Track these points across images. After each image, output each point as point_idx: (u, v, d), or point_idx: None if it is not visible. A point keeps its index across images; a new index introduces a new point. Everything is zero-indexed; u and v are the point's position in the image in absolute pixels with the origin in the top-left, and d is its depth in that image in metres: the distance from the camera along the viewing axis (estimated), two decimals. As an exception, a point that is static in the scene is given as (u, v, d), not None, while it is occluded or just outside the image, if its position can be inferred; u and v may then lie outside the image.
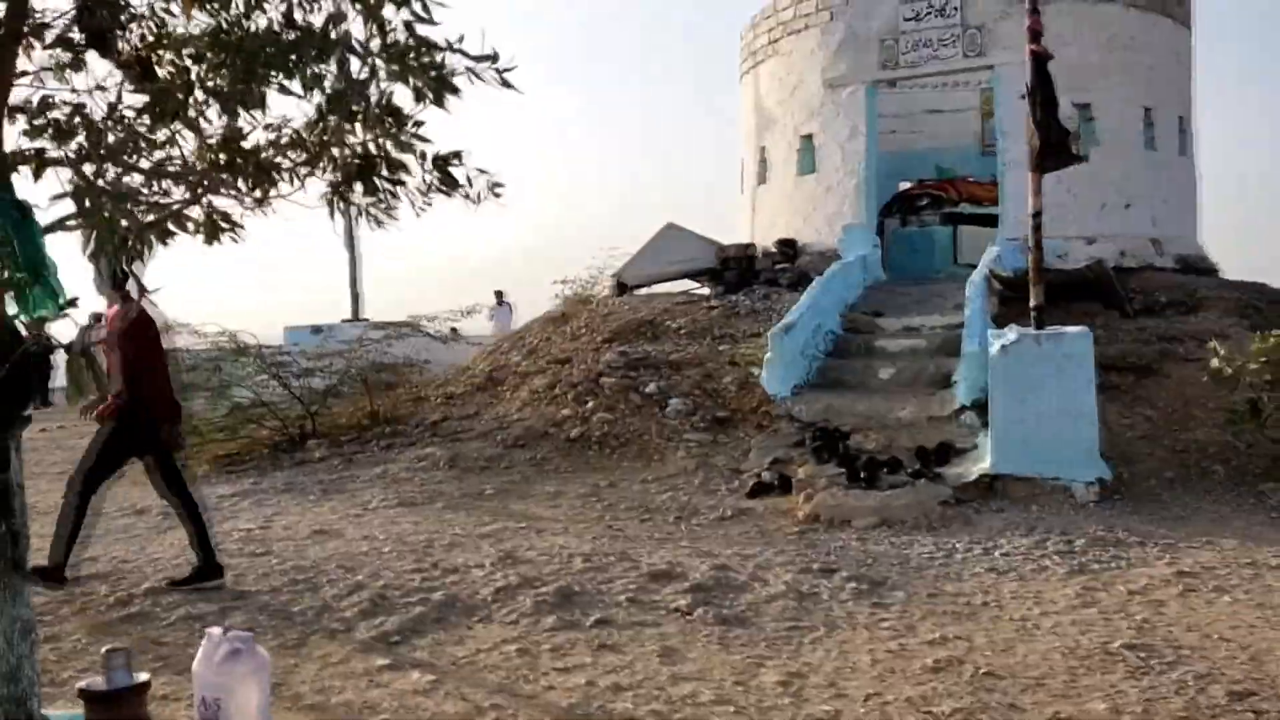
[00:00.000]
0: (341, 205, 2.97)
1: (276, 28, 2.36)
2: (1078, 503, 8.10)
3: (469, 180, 3.04)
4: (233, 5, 2.46)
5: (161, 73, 2.57)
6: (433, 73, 2.55)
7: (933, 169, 18.89)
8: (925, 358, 10.78)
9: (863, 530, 7.61)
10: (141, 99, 2.74)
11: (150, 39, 2.65)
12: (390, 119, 2.63)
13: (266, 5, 2.37)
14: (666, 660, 4.79)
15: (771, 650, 4.92)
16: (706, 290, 15.56)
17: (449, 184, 2.98)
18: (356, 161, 2.72)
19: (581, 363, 12.08)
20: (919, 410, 9.76)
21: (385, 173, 2.83)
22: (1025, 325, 9.17)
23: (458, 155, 2.94)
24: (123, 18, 2.62)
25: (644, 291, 15.77)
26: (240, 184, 2.60)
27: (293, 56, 2.34)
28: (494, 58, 2.68)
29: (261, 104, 2.48)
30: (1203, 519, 7.63)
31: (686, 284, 16.15)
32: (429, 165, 2.92)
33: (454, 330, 16.95)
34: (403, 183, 2.86)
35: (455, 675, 4.64)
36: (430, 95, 2.71)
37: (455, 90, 2.62)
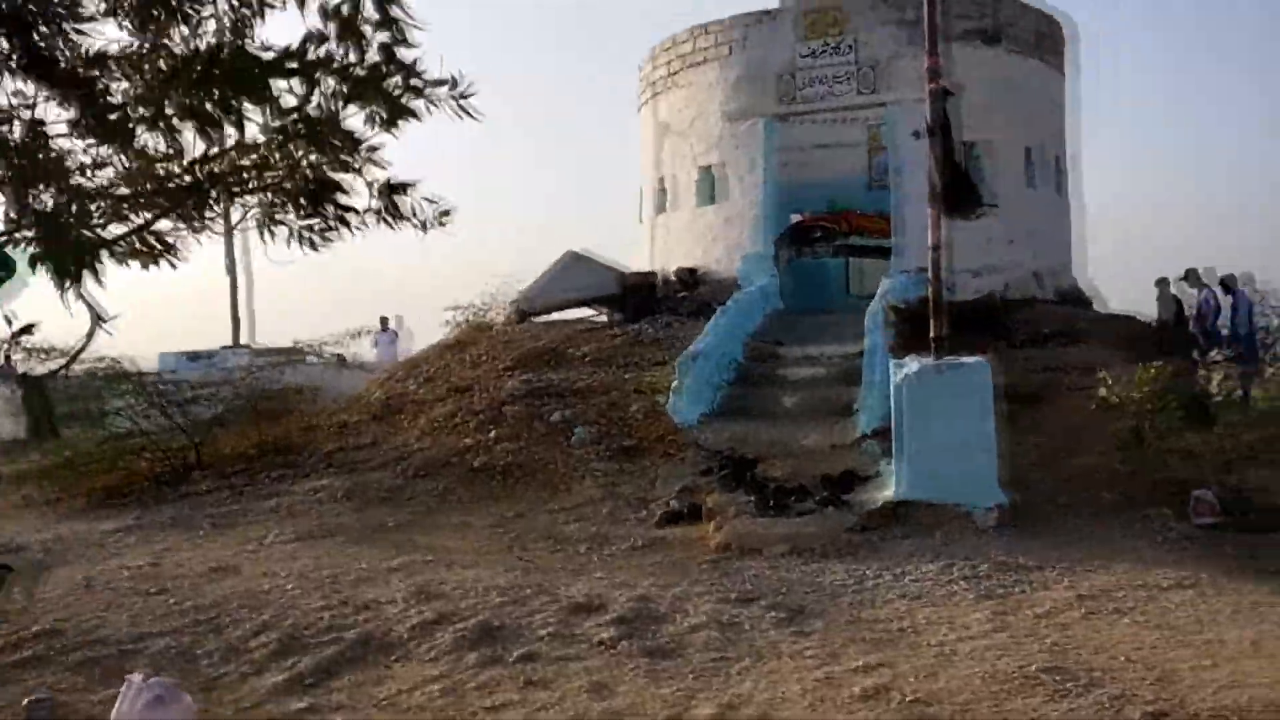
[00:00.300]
0: (271, 227, 2.84)
1: (254, 49, 2.23)
2: (979, 528, 8.30)
3: (414, 209, 2.95)
4: (202, 26, 2.32)
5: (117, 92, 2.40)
6: (396, 94, 2.46)
7: (823, 202, 19.33)
8: (827, 386, 10.97)
9: (775, 558, 7.65)
10: (66, 116, 2.57)
11: (92, 56, 2.47)
12: (342, 142, 2.53)
13: (248, 27, 2.24)
14: (596, 695, 4.70)
15: (701, 682, 4.88)
16: (604, 317, 15.57)
17: (395, 212, 2.87)
18: (309, 185, 2.60)
19: (484, 391, 11.91)
20: (823, 438, 9.92)
21: (335, 197, 2.71)
22: (923, 355, 9.42)
23: (406, 186, 2.85)
24: (67, 31, 2.45)
25: (543, 319, 15.67)
26: (194, 206, 2.45)
27: (270, 78, 2.21)
28: (452, 83, 2.61)
29: (239, 125, 2.34)
30: (1096, 543, 7.91)
31: (585, 311, 16.13)
32: (375, 191, 2.81)
33: (340, 357, 16.53)
34: (353, 209, 2.75)
35: (380, 718, 4.46)
36: (383, 119, 2.61)
37: (413, 114, 2.54)
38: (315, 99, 2.43)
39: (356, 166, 2.67)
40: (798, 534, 8.03)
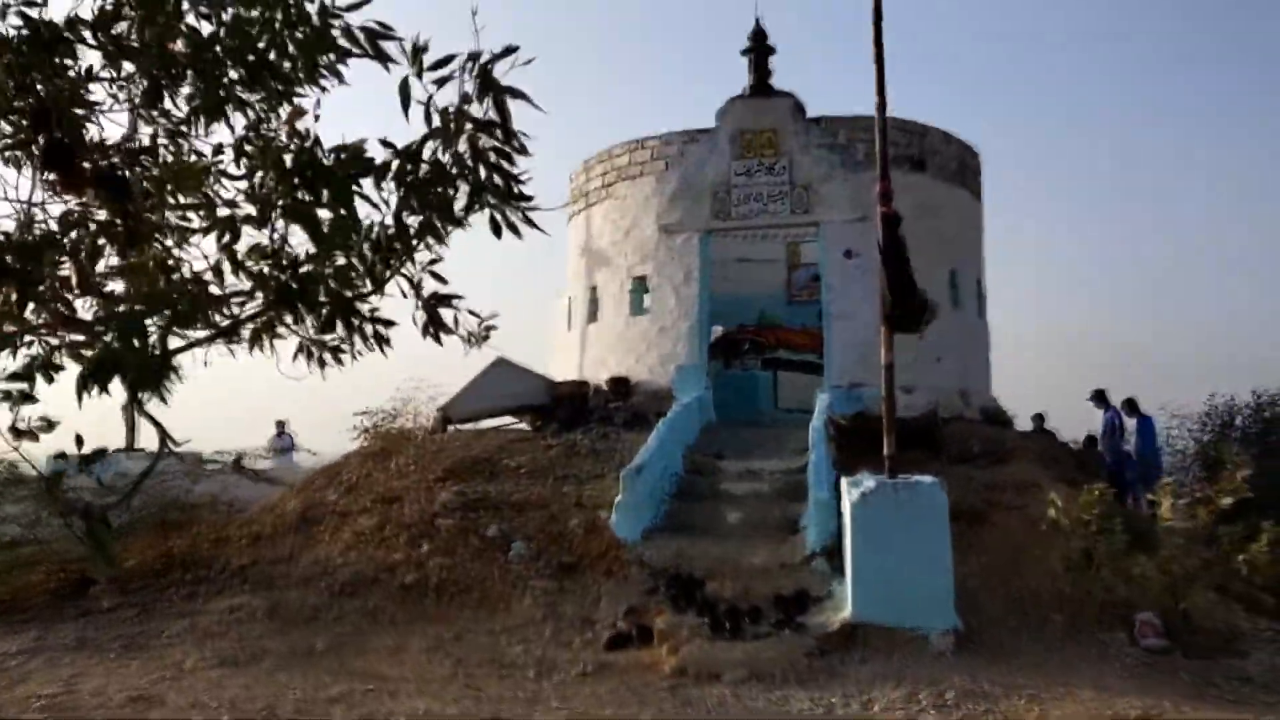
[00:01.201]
0: (271, 339, 2.58)
1: (360, 147, 2.00)
2: (935, 652, 8.15)
3: (456, 321, 2.72)
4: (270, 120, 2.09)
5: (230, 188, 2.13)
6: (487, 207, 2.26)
7: (743, 315, 19.57)
8: (770, 502, 10.82)
9: (734, 684, 7.35)
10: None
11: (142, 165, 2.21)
12: (404, 249, 2.30)
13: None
14: None
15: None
16: (526, 426, 15.25)
17: (439, 326, 2.63)
18: (352, 295, 2.35)
19: (414, 502, 11.40)
20: (771, 556, 9.72)
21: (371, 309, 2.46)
22: (864, 471, 9.36)
23: (451, 298, 2.63)
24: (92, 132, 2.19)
25: (469, 427, 15.26)
26: (291, 309, 2.18)
27: (366, 179, 1.99)
28: (527, 198, 2.44)
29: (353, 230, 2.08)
30: (1055, 668, 7.82)
31: (506, 419, 15.79)
32: (420, 303, 2.57)
33: (239, 462, 15.73)
34: (391, 322, 2.50)
35: None
36: (440, 229, 2.40)
37: (517, 232, 2.35)
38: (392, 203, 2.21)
39: (416, 280, 2.44)
40: (756, 658, 7.76)
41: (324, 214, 2.12)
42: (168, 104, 2.70)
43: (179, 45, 2.27)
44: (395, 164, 2.23)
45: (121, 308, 1.99)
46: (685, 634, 8.23)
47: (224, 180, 2.41)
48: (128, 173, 2.24)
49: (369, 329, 2.46)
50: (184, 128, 2.52)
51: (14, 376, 1.86)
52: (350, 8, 2.04)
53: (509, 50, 2.13)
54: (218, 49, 2.17)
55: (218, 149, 2.69)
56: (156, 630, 8.90)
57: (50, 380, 2.10)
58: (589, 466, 11.96)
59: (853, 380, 14.17)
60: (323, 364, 2.74)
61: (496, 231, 2.42)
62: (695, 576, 9.43)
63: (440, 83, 2.10)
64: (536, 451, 12.57)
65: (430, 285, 2.60)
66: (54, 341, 2.19)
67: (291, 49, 2.14)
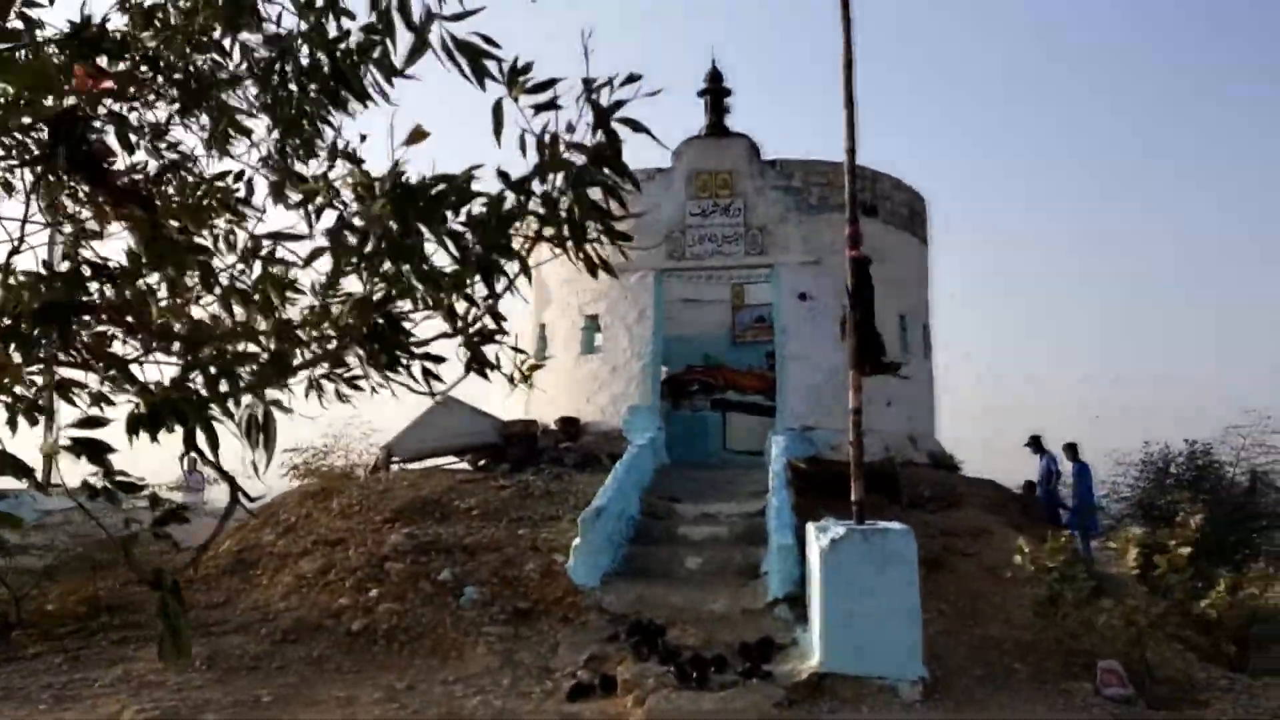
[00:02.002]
0: (326, 379, 2.36)
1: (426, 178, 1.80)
2: (904, 702, 8.03)
3: (497, 359, 2.53)
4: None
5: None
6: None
7: (692, 355, 19.51)
8: (730, 546, 10.66)
9: (705, 738, 7.12)
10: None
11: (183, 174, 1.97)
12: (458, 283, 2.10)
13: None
14: None
15: None
16: (468, 465, 14.91)
17: (483, 364, 2.44)
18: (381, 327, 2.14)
19: (360, 545, 11.00)
20: (732, 603, 9.54)
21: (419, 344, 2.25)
22: (827, 517, 9.26)
23: (496, 333, 2.44)
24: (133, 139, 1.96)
25: (414, 466, 14.87)
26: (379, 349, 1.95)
27: (443, 210, 1.79)
28: (627, 237, 2.29)
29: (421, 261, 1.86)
30: (1025, 718, 7.75)
31: (444, 459, 15.41)
32: (466, 339, 2.37)
33: (155, 498, 15.02)
34: (440, 358, 2.30)
35: None
36: (498, 271, 2.22)
37: (612, 273, 2.23)
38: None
39: (469, 316, 2.24)
40: (724, 710, 7.55)
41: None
42: (180, 128, 2.49)
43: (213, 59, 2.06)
44: (508, 198, 2.04)
45: (206, 351, 1.76)
46: (650, 684, 7.97)
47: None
48: (152, 190, 2.02)
49: (416, 366, 2.25)
50: (207, 150, 2.30)
51: (88, 422, 1.62)
52: (456, 17, 1.84)
53: (632, 78, 1.95)
54: (280, 64, 1.97)
55: (238, 175, 2.48)
56: (88, 679, 8.38)
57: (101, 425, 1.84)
58: (543, 508, 11.68)
59: (805, 423, 14.14)
60: (340, 397, 2.53)
61: (593, 271, 2.24)
62: (656, 623, 9.20)
63: (539, 108, 1.92)
64: (488, 493, 12.24)
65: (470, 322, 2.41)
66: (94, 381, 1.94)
67: (368, 64, 1.95)
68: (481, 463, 14.78)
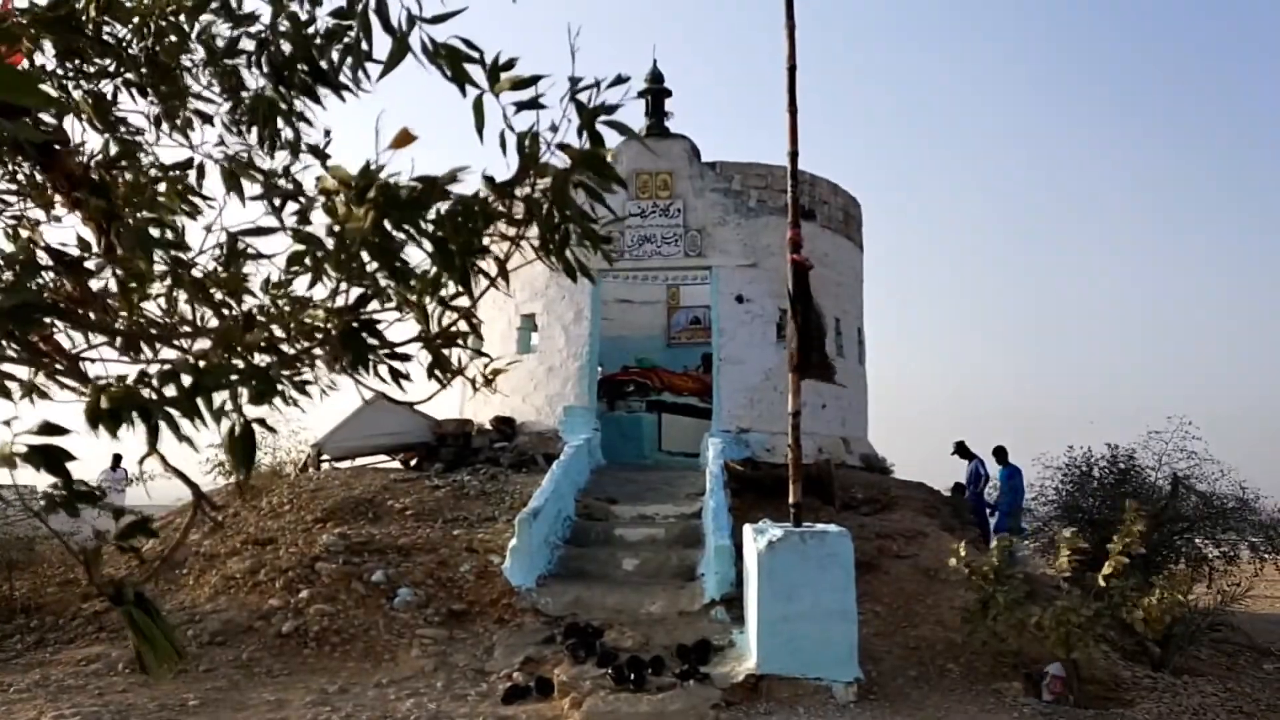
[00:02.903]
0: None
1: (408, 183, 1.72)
2: (839, 703, 8.10)
3: (460, 362, 2.47)
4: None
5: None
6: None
7: (626, 356, 19.49)
8: (666, 548, 10.65)
9: (644, 741, 7.10)
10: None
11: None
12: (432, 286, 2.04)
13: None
14: None
15: None
16: (399, 465, 14.70)
17: (445, 368, 2.37)
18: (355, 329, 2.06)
19: (291, 545, 10.75)
20: (669, 605, 9.53)
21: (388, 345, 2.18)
22: (764, 519, 9.31)
23: (459, 336, 2.37)
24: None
25: (345, 464, 14.61)
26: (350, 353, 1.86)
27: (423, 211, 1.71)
28: (608, 240, 2.24)
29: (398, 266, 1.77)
30: (958, 719, 7.87)
31: (378, 458, 15.18)
32: (430, 342, 2.31)
33: (118, 509, 14.47)
34: (407, 356, 2.23)
35: None
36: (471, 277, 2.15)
37: (590, 277, 2.16)
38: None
39: (435, 317, 2.16)
40: (662, 712, 7.53)
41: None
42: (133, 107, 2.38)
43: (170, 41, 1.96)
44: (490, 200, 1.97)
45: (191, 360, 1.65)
46: (587, 686, 7.93)
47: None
48: (104, 176, 1.91)
49: (383, 367, 2.17)
50: (157, 129, 2.19)
51: (47, 429, 1.51)
52: (436, 19, 1.78)
53: (620, 80, 1.91)
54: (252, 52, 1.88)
55: (187, 164, 2.37)
56: (2, 684, 8.06)
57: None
58: (479, 509, 11.54)
59: (741, 425, 14.21)
60: (286, 400, 2.43)
61: (572, 275, 2.18)
62: (593, 625, 9.15)
63: (521, 106, 1.86)
64: (423, 493, 12.07)
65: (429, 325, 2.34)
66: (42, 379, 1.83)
67: (349, 59, 1.86)
68: (414, 462, 14.59)
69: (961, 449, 16.36)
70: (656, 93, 15.69)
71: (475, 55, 1.78)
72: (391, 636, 9.24)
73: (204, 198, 2.33)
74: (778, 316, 14.27)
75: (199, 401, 1.62)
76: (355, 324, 1.87)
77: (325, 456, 14.67)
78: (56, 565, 11.48)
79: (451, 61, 1.77)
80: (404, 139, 1.78)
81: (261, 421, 1.81)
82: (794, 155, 9.19)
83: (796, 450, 8.95)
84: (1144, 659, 9.75)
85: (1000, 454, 15.93)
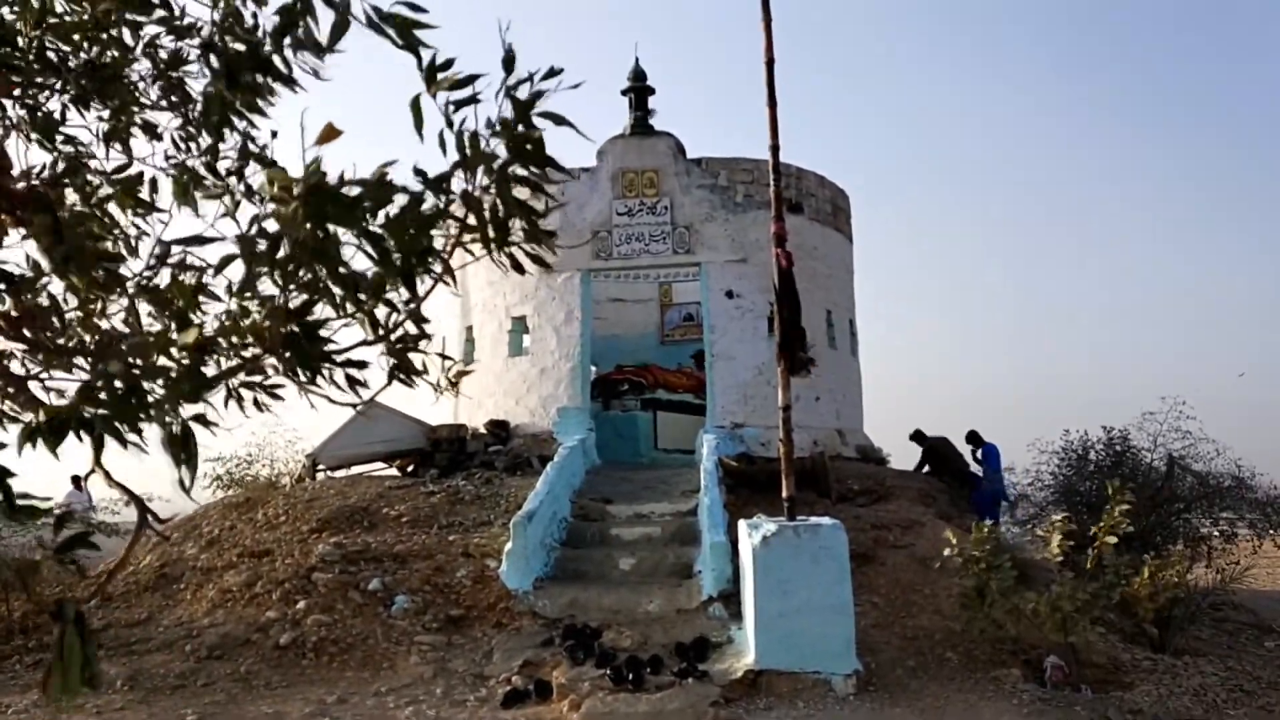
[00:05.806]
0: (245, 387, 2.25)
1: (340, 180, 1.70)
2: (839, 696, 8.09)
3: (424, 366, 2.45)
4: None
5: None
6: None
7: (620, 355, 19.45)
8: (662, 547, 10.63)
9: (643, 740, 7.08)
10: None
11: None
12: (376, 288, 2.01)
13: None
14: None
15: None
16: (395, 472, 14.68)
17: (408, 371, 2.35)
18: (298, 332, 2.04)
19: (287, 556, 10.73)
20: (667, 603, 9.51)
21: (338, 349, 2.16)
22: (759, 514, 9.29)
23: (420, 338, 2.35)
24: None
25: (341, 473, 14.59)
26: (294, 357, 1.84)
27: (358, 211, 1.69)
28: (551, 234, 2.23)
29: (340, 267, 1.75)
30: (958, 709, 7.85)
31: (373, 466, 15.16)
32: (389, 345, 2.29)
33: (61, 521, 14.37)
34: (366, 364, 2.21)
35: None
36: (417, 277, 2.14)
37: (450, 278, 2.13)
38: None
39: (390, 321, 2.15)
40: (661, 711, 7.52)
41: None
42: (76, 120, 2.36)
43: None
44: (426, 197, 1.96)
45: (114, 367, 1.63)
46: (586, 687, 7.92)
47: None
48: (50, 193, 1.89)
49: (340, 374, 2.15)
50: (107, 144, 2.17)
51: None
52: None
53: (553, 72, 1.89)
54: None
55: (137, 178, 2.34)
56: (1, 705, 8.03)
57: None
58: (474, 514, 11.52)
59: (735, 421, 14.20)
60: (259, 406, 2.41)
61: (519, 269, 2.16)
62: (591, 626, 9.14)
63: (459, 104, 1.84)
64: (418, 499, 12.04)
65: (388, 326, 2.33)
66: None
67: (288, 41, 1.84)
68: (409, 468, 14.57)
69: (919, 437, 15.80)
70: (640, 90, 15.66)
71: (423, 20, 1.76)
72: (389, 644, 9.22)
73: (155, 209, 2.31)
74: (768, 311, 14.24)
75: (133, 403, 1.60)
76: (296, 328, 1.85)
77: (320, 466, 14.65)
78: (54, 585, 11.47)
79: (401, 29, 1.75)
80: (329, 134, 1.76)
81: (201, 419, 1.79)
82: (775, 149, 9.16)
83: (788, 444, 8.93)
84: (1144, 640, 9.73)
85: (973, 437, 15.45)
